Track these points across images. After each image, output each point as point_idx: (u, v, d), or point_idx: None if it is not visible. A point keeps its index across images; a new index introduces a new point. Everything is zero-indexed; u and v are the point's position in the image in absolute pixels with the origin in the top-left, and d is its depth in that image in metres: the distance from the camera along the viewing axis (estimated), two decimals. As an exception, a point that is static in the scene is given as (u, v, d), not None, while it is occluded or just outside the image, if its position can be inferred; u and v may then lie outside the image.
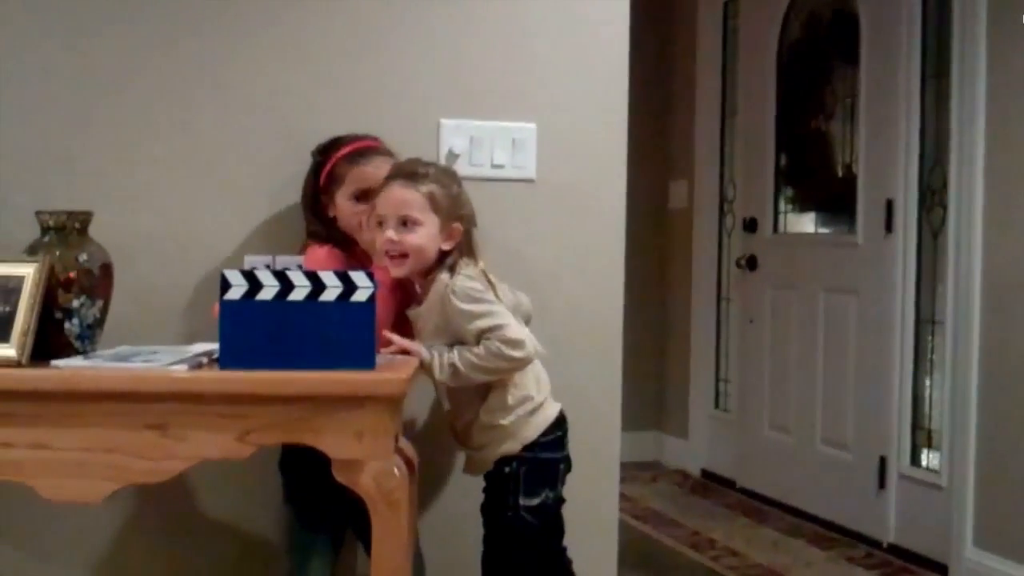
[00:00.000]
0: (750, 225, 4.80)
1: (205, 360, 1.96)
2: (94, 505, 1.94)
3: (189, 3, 2.43)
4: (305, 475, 2.18)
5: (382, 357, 2.01)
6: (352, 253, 2.29)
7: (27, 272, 1.94)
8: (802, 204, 4.64)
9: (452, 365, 2.12)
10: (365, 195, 2.25)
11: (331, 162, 2.30)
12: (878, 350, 4.00)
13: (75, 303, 2.00)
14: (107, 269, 2.08)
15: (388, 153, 2.32)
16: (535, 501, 2.23)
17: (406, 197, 2.18)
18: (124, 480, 1.87)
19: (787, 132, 4.63)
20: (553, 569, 2.31)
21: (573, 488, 2.44)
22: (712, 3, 5.12)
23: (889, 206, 3.94)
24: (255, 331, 1.88)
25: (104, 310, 2.07)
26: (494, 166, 2.59)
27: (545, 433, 2.26)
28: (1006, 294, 3.39)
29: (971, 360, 3.50)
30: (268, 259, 1.95)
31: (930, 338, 3.88)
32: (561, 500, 2.29)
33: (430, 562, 2.47)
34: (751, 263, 4.77)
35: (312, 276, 1.89)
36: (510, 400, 2.22)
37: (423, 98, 2.55)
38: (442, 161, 2.55)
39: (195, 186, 2.43)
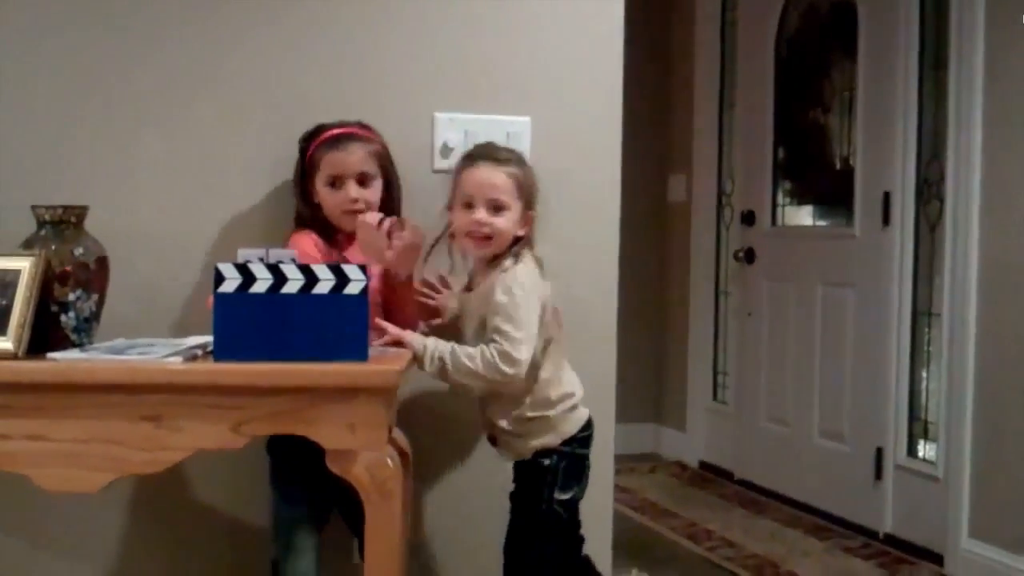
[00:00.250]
0: (748, 218, 4.80)
1: (200, 352, 1.98)
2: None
3: (185, -1, 2.44)
4: (289, 452, 2.18)
5: (375, 349, 2.03)
6: (334, 240, 2.31)
7: (23, 266, 1.96)
8: (800, 197, 4.65)
9: (441, 359, 2.13)
10: (339, 181, 2.27)
11: (311, 149, 2.32)
12: (875, 342, 4.01)
13: (71, 296, 2.02)
14: (103, 263, 2.10)
15: (369, 140, 2.33)
16: (567, 495, 2.28)
17: (496, 180, 2.21)
18: (120, 471, 1.89)
19: (785, 125, 4.64)
20: (574, 559, 2.37)
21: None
22: (710, -4, 5.13)
23: (886, 199, 3.95)
24: (249, 323, 1.90)
25: (100, 303, 2.09)
26: (489, 159, 2.60)
27: (582, 430, 2.31)
28: (1002, 286, 3.40)
29: (967, 352, 3.51)
30: (262, 252, 1.95)
31: (927, 330, 3.89)
32: (582, 496, 2.34)
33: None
34: (749, 256, 4.78)
35: (305, 269, 1.91)
36: (553, 396, 2.26)
37: (417, 92, 2.56)
38: (437, 155, 2.58)
39: (190, 180, 2.44)
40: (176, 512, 2.49)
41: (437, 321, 2.36)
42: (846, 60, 4.22)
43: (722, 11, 5.07)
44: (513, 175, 2.22)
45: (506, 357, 2.12)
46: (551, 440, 2.26)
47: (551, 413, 2.26)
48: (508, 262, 2.21)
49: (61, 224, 2.05)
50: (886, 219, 3.95)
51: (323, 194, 2.30)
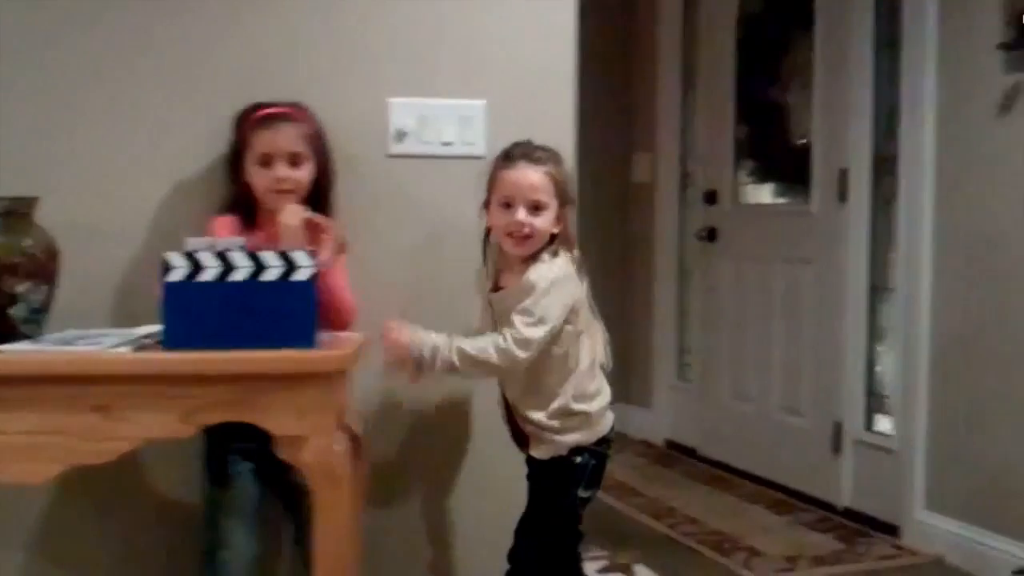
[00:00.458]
0: (710, 197, 4.84)
1: (149, 342, 1.99)
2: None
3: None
4: (223, 433, 2.14)
5: (326, 335, 2.05)
6: (256, 223, 2.30)
7: (-29, 258, 1.97)
8: (761, 175, 4.68)
9: (448, 363, 2.15)
10: (269, 160, 2.27)
11: (243, 127, 2.32)
12: (833, 318, 4.06)
13: (20, 288, 2.03)
14: (52, 254, 2.10)
15: (303, 121, 2.33)
16: (588, 493, 2.32)
17: (535, 181, 2.23)
18: (69, 461, 1.90)
19: (746, 105, 4.67)
20: (576, 554, 2.38)
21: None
22: (672, -24, 5.14)
23: (843, 176, 3.99)
24: (197, 312, 1.91)
25: (50, 295, 2.09)
26: (443, 144, 2.61)
27: (611, 431, 2.34)
28: (954, 262, 3.45)
29: (921, 327, 3.56)
30: (210, 240, 1.97)
31: (883, 306, 3.94)
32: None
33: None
34: (711, 235, 4.82)
35: (253, 256, 1.92)
36: (591, 389, 2.29)
37: (371, 77, 2.56)
38: (391, 141, 2.58)
39: (138, 168, 2.43)
40: (112, 496, 2.47)
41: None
42: (804, 38, 4.25)
43: (684, -8, 5.08)
44: (550, 174, 2.24)
45: (521, 341, 2.15)
46: (586, 438, 2.28)
47: (591, 409, 2.28)
48: (547, 256, 2.24)
49: (10, 216, 2.05)
50: (842, 196, 4.00)
51: (253, 173, 2.29)
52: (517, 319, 2.16)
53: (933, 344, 3.54)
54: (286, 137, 2.28)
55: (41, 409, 1.87)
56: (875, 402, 3.99)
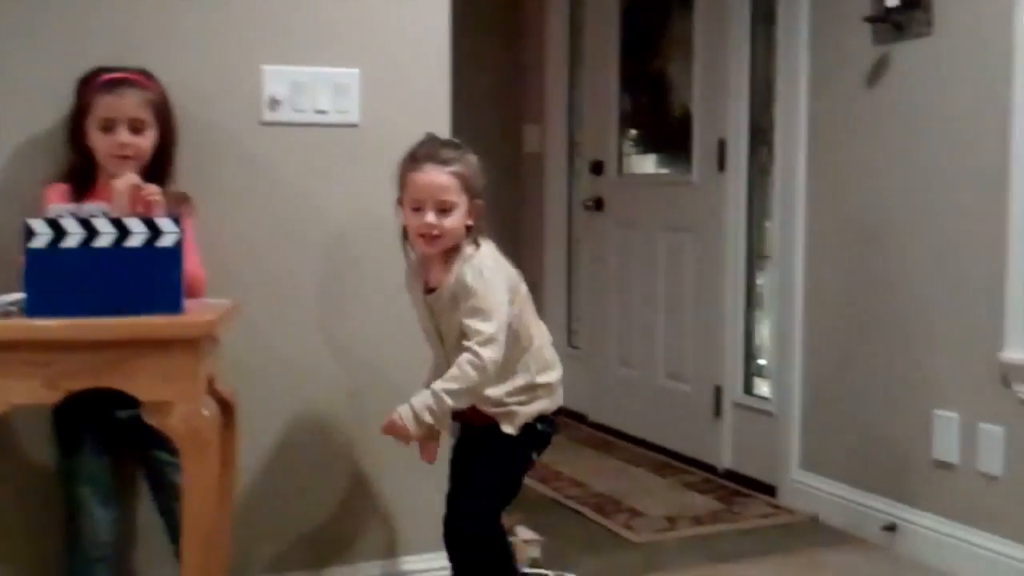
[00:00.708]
0: (597, 168, 4.91)
1: (14, 309, 1.97)
2: None
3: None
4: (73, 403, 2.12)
5: (195, 302, 2.05)
6: (92, 191, 2.28)
7: None
8: (644, 146, 4.77)
9: (430, 410, 2.18)
10: (109, 125, 2.26)
11: (86, 92, 2.30)
12: (713, 286, 4.16)
13: None
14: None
15: (146, 88, 2.31)
16: (536, 456, 2.40)
17: (442, 182, 2.25)
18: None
19: (631, 76, 4.74)
20: None
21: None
22: (559, -51, 5.18)
23: (721, 145, 4.08)
24: (61, 278, 1.91)
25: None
26: (317, 112, 2.63)
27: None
28: (826, 230, 3.56)
29: (796, 294, 3.67)
30: (73, 207, 1.95)
31: (761, 273, 4.05)
32: None
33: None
34: (598, 204, 4.89)
35: (117, 223, 1.92)
36: (549, 356, 2.37)
37: (244, 45, 2.56)
38: (265, 108, 2.58)
39: None
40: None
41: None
42: (685, 13, 4.33)
43: (571, -37, 5.13)
44: (457, 173, 2.27)
45: (485, 342, 2.18)
46: (548, 406, 2.35)
47: (552, 379, 2.35)
48: (470, 249, 2.28)
49: None
50: (721, 165, 4.09)
51: (94, 138, 2.28)
52: (471, 323, 2.20)
53: (806, 310, 3.66)
54: (129, 103, 2.27)
55: (-98, 379, 1.85)
56: (754, 367, 4.11)
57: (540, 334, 2.39)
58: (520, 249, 5.46)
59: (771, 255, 3.89)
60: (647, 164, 4.75)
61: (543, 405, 2.35)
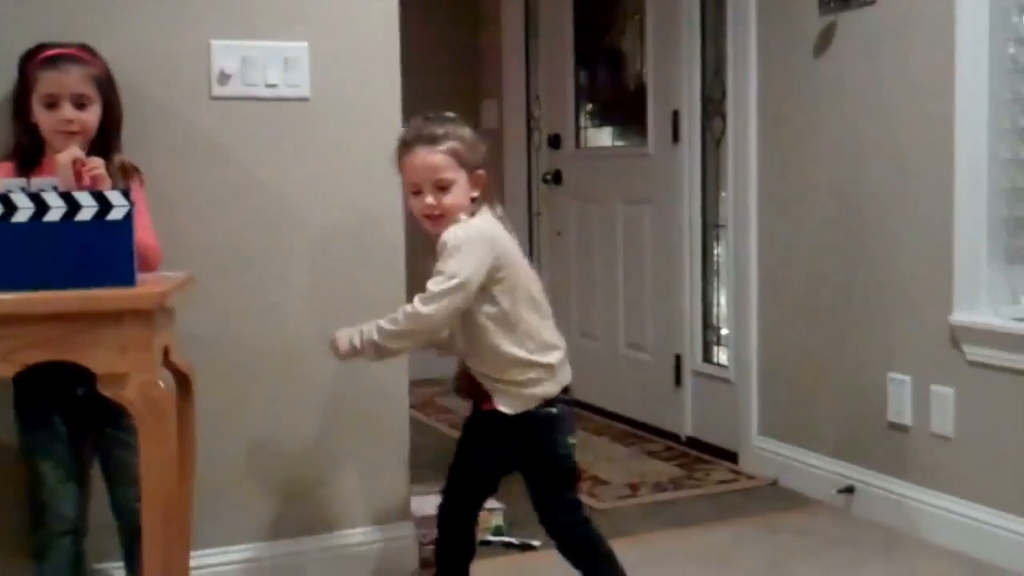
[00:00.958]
0: (555, 141, 4.94)
1: (-34, 284, 1.97)
2: None
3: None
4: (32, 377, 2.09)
5: (148, 275, 2.06)
6: (39, 167, 2.26)
7: None
8: (601, 119, 4.80)
9: (373, 343, 2.19)
10: (53, 101, 2.25)
11: (28, 68, 2.29)
12: (671, 256, 4.20)
13: None
14: None
15: (89, 63, 2.30)
16: (574, 440, 2.35)
17: (435, 162, 2.24)
18: None
19: (585, 50, 4.77)
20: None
21: (368, 402, 2.61)
22: (512, -76, 5.19)
23: (675, 117, 4.12)
24: (12, 253, 1.90)
25: None
26: (268, 86, 2.62)
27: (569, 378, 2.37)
28: (778, 198, 3.60)
29: (750, 262, 3.71)
30: (22, 182, 1.95)
31: (716, 243, 4.09)
32: None
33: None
34: (557, 178, 4.92)
35: (67, 197, 1.92)
36: (549, 339, 2.32)
37: (192, 20, 2.55)
38: (214, 83, 2.58)
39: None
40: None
41: None
42: (637, -17, 4.36)
43: (524, -62, 5.14)
44: (449, 150, 2.25)
45: (424, 297, 2.16)
46: (552, 389, 2.29)
47: (554, 360, 2.29)
48: (463, 216, 2.26)
49: None
50: (676, 136, 4.12)
51: (38, 114, 2.27)
52: (428, 282, 2.18)
53: (761, 279, 3.70)
54: (72, 78, 2.25)
55: None
56: (713, 335, 4.15)
57: (539, 312, 2.34)
58: (480, 225, 5.49)
59: (726, 224, 3.93)
60: (604, 137, 4.78)
61: (546, 388, 2.28)
